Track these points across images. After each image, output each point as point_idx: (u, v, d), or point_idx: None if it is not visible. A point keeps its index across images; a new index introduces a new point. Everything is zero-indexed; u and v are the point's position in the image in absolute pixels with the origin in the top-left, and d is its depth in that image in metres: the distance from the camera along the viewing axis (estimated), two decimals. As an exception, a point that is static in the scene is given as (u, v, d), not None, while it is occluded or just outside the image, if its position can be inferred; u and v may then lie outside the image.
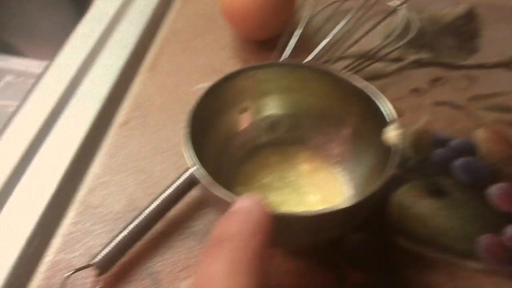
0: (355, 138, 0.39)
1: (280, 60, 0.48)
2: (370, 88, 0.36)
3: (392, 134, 0.33)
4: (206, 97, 0.36)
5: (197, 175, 0.32)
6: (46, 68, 0.52)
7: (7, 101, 0.72)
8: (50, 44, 0.78)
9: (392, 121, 0.34)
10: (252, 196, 0.25)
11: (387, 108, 0.35)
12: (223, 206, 0.32)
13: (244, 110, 0.40)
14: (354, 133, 0.39)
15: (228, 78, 0.38)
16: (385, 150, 0.36)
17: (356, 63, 0.49)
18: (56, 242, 0.39)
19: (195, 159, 0.32)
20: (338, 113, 0.39)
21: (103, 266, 0.35)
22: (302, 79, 0.39)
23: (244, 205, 0.24)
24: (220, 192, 0.30)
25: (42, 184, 0.42)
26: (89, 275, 0.36)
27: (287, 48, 0.49)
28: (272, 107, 0.41)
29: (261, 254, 0.22)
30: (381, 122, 0.35)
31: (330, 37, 0.49)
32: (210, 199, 0.34)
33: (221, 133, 0.39)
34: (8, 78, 0.74)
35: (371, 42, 0.50)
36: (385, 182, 0.31)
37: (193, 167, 0.32)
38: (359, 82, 0.36)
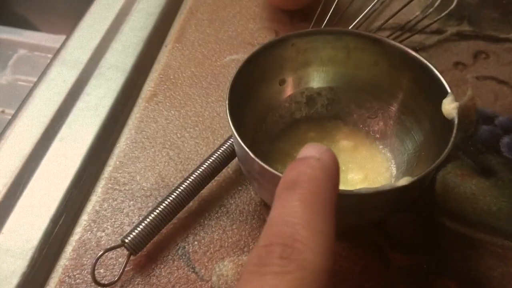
0: (401, 113, 0.36)
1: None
2: (424, 59, 0.33)
3: (450, 107, 0.31)
4: (246, 67, 0.34)
5: (240, 149, 0.30)
6: (66, 41, 0.49)
7: (21, 76, 0.70)
8: (63, 17, 0.76)
9: (450, 93, 0.31)
10: (318, 144, 0.22)
11: (443, 79, 0.32)
12: (268, 180, 0.30)
13: (283, 82, 0.38)
14: (400, 108, 0.36)
15: (268, 47, 0.35)
16: (434, 126, 0.34)
17: (394, 35, 0.46)
18: (83, 221, 0.37)
19: (238, 133, 0.30)
20: (384, 86, 0.37)
21: (134, 247, 0.33)
22: (346, 48, 0.37)
23: (312, 153, 0.22)
24: (265, 166, 0.28)
25: (66, 161, 0.40)
26: (119, 255, 0.34)
27: (326, 18, 0.46)
28: (312, 79, 0.39)
29: (334, 203, 0.20)
30: (434, 95, 0.32)
31: (368, 8, 0.46)
32: (252, 174, 0.31)
33: (258, 107, 0.37)
34: (22, 51, 0.71)
35: (410, 13, 0.48)
36: (442, 161, 0.29)
37: (239, 141, 0.30)
38: (413, 52, 0.34)
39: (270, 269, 0.18)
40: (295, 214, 0.19)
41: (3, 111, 0.62)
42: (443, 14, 0.46)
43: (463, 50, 0.47)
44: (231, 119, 0.31)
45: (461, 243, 0.35)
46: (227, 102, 0.32)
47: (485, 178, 0.38)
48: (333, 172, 0.21)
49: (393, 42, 0.35)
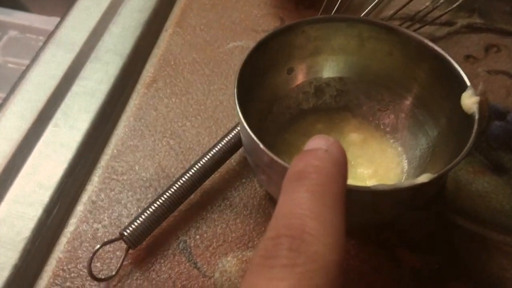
0: (415, 107, 0.35)
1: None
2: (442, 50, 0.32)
3: (470, 101, 0.29)
4: (255, 54, 0.32)
5: (248, 140, 0.28)
6: (61, 22, 0.47)
7: (11, 58, 0.67)
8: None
9: (469, 87, 0.30)
10: (325, 136, 0.21)
11: (463, 72, 0.31)
12: (276, 173, 0.28)
13: (291, 70, 0.36)
14: (414, 101, 0.35)
15: (278, 34, 0.33)
16: (451, 121, 0.32)
17: (403, 26, 0.45)
18: (79, 211, 0.35)
19: (246, 122, 0.28)
20: (398, 77, 0.35)
21: (133, 240, 0.31)
22: (359, 37, 0.35)
23: (320, 145, 0.21)
24: (275, 158, 0.26)
25: (60, 148, 0.37)
26: (117, 248, 0.33)
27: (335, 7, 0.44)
28: (321, 68, 0.37)
29: (343, 196, 0.19)
30: (452, 89, 0.31)
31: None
32: (260, 166, 0.30)
33: (265, 97, 0.35)
34: (12, 33, 0.68)
35: (419, 3, 0.46)
36: (463, 158, 0.27)
37: (248, 132, 0.28)
38: (430, 42, 0.32)
39: (278, 261, 0.17)
40: (303, 206, 0.18)
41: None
42: (454, 6, 0.45)
43: (474, 43, 0.45)
44: (239, 108, 0.29)
45: (473, 242, 0.34)
46: (235, 90, 0.30)
47: (498, 175, 0.37)
48: (342, 164, 0.20)
49: (409, 32, 0.33)
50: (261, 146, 0.28)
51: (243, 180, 0.36)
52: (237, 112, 0.29)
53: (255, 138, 0.28)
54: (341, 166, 0.20)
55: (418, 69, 0.34)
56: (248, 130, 0.28)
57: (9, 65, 0.64)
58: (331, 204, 0.19)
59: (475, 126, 0.28)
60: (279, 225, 0.18)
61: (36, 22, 0.66)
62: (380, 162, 0.35)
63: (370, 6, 0.44)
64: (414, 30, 0.45)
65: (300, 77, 0.37)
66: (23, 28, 0.66)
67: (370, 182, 0.34)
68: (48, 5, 0.75)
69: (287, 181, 0.20)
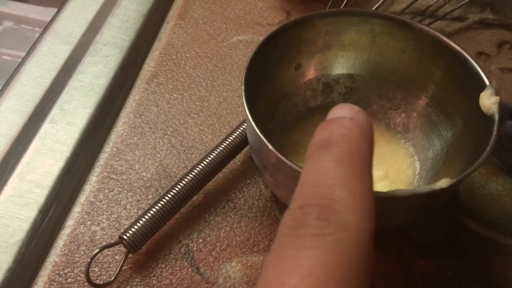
0: (428, 106, 0.33)
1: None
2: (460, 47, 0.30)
3: (489, 101, 0.28)
4: (263, 49, 0.30)
5: (256, 140, 0.27)
6: (58, 13, 0.45)
7: (6, 50, 0.65)
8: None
9: (489, 86, 0.28)
10: (350, 104, 0.21)
11: (481, 71, 0.29)
12: (284, 175, 0.27)
13: (299, 66, 0.35)
14: (427, 100, 0.33)
15: (288, 27, 0.32)
16: (467, 122, 0.31)
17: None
18: (76, 213, 0.33)
19: (254, 121, 0.27)
20: (411, 75, 0.34)
21: (133, 244, 0.30)
22: (371, 32, 0.33)
23: (345, 113, 0.20)
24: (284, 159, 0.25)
25: (56, 145, 0.36)
26: (116, 252, 0.31)
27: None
28: (330, 65, 0.35)
29: (371, 164, 0.19)
30: (470, 88, 0.30)
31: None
32: (267, 167, 0.28)
33: (271, 94, 0.34)
34: (7, 24, 0.66)
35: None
36: (482, 162, 0.26)
37: (256, 131, 0.27)
38: (447, 39, 0.31)
39: (307, 231, 0.16)
40: (331, 174, 0.18)
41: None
42: (465, 1, 0.43)
43: (486, 40, 0.44)
44: (248, 107, 0.28)
45: (487, 247, 0.33)
46: (243, 88, 0.28)
47: (512, 177, 0.36)
48: (368, 132, 0.20)
49: (424, 27, 0.32)
50: (270, 147, 0.26)
51: (248, 181, 0.35)
52: (246, 111, 0.28)
53: (263, 139, 0.26)
54: (368, 134, 0.19)
55: (433, 67, 0.32)
56: (257, 130, 0.27)
57: (4, 57, 0.63)
58: (359, 172, 0.18)
59: (495, 128, 0.27)
60: (306, 194, 0.18)
61: (33, 13, 0.64)
62: (391, 163, 0.34)
63: (381, 1, 0.42)
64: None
65: (308, 74, 0.35)
66: (18, 19, 0.64)
67: (381, 185, 0.33)
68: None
69: (311, 149, 0.19)
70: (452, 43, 0.31)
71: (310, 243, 0.16)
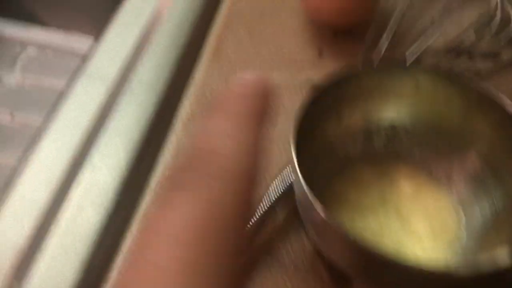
0: (474, 162, 0.33)
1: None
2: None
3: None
4: (309, 107, 0.30)
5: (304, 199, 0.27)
6: (94, 47, 0.45)
7: (29, 75, 0.64)
8: (74, 12, 0.71)
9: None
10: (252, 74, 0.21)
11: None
12: (329, 233, 0.27)
13: (341, 117, 0.34)
14: (474, 156, 0.33)
15: (331, 87, 0.32)
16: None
17: (444, 59, 0.43)
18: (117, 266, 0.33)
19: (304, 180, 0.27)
20: (456, 128, 0.33)
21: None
22: (415, 84, 0.33)
23: (246, 80, 0.21)
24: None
25: (96, 197, 0.36)
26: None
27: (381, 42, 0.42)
28: (372, 115, 0.35)
29: (261, 120, 0.20)
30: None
31: (426, 30, 0.42)
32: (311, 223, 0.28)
33: (314, 146, 0.34)
34: (30, 49, 0.66)
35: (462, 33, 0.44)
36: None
37: (304, 190, 0.27)
38: (496, 94, 0.31)
39: (191, 171, 0.18)
40: (220, 127, 0.19)
41: (11, 114, 0.57)
42: (504, 40, 0.43)
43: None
44: (298, 166, 0.28)
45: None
46: (292, 147, 0.28)
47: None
48: (265, 97, 0.20)
49: (472, 81, 0.31)
50: (319, 209, 0.26)
51: (290, 235, 0.34)
52: (297, 174, 0.28)
53: (313, 200, 0.26)
54: (264, 98, 0.20)
55: (480, 123, 0.32)
56: (307, 190, 0.27)
57: (27, 81, 0.62)
58: (244, 124, 0.19)
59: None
60: (193, 142, 0.19)
61: (55, 39, 0.64)
62: (435, 218, 0.34)
63: (416, 43, 0.42)
64: (461, 64, 0.43)
65: (349, 123, 0.35)
66: (41, 44, 0.64)
67: (427, 242, 0.33)
68: (67, 19, 0.72)
69: (210, 108, 0.20)
70: (501, 100, 0.30)
71: (191, 182, 0.17)
